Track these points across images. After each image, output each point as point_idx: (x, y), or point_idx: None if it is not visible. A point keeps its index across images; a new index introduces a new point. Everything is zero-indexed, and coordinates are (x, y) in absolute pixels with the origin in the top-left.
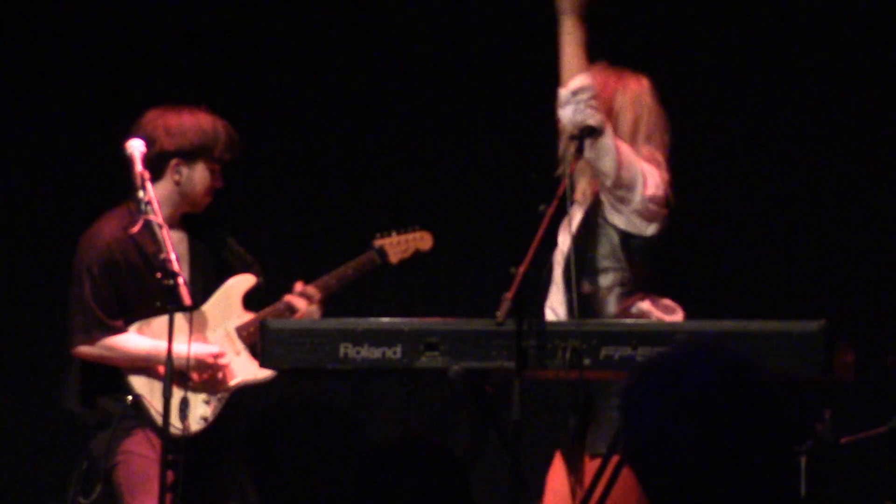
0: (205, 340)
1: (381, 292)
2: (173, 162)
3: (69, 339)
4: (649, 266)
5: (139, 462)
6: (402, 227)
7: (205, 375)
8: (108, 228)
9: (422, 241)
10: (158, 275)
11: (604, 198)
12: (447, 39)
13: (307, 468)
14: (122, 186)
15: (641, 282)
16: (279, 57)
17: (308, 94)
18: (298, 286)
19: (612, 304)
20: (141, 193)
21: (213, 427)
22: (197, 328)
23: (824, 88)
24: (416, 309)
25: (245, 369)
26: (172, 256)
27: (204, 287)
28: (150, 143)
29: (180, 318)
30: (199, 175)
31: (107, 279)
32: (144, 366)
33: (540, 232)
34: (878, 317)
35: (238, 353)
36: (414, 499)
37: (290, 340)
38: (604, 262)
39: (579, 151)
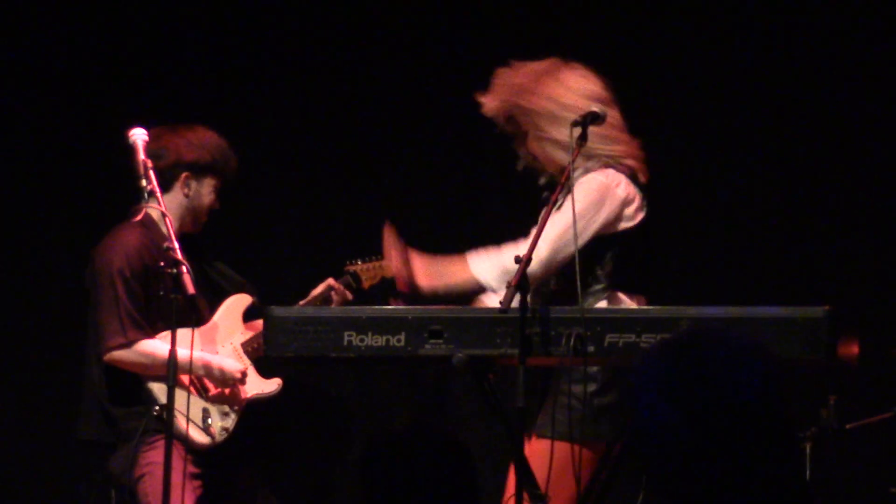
0: (218, 354)
1: (384, 280)
2: (184, 175)
3: (103, 344)
4: (618, 261)
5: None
6: (366, 256)
7: (228, 391)
8: (133, 236)
9: (386, 269)
10: (162, 263)
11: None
12: (435, 39)
13: (312, 456)
14: (122, 200)
15: (610, 278)
16: (264, 79)
17: (302, 98)
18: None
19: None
20: (143, 182)
21: (232, 440)
22: (207, 342)
23: (829, 78)
24: (420, 297)
25: (254, 384)
26: (176, 245)
27: (206, 306)
28: (163, 154)
29: (188, 332)
30: (206, 191)
31: (139, 284)
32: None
33: (542, 220)
34: (884, 306)
35: (246, 369)
36: (420, 485)
37: (295, 328)
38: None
39: (582, 138)
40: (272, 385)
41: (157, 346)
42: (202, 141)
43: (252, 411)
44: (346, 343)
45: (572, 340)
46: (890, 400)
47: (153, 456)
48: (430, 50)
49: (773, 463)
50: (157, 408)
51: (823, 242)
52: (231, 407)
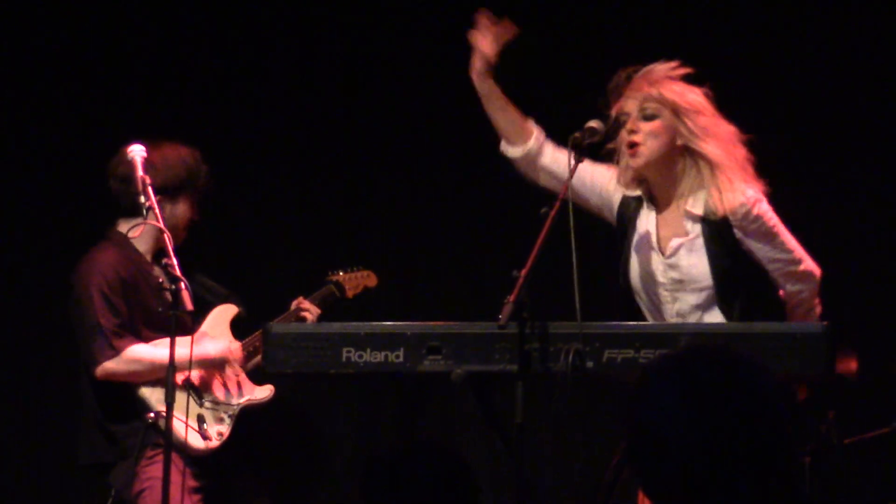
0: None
1: (383, 296)
2: (157, 198)
3: (92, 362)
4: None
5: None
6: (349, 266)
7: (224, 380)
8: (108, 253)
9: (368, 278)
10: (161, 279)
11: None
12: (439, 36)
13: (313, 473)
14: (108, 213)
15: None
16: (244, 91)
17: (290, 111)
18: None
19: None
20: (142, 199)
21: (229, 448)
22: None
23: (825, 89)
24: (419, 313)
25: (247, 390)
26: (175, 262)
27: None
28: (133, 179)
29: (185, 340)
30: (181, 209)
31: (118, 296)
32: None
33: (542, 235)
34: (882, 322)
35: (238, 375)
36: (421, 502)
37: (294, 344)
38: None
39: (580, 153)
40: (265, 391)
41: (144, 350)
42: (168, 162)
43: (251, 420)
44: (344, 359)
45: (571, 356)
46: (889, 415)
47: (153, 471)
48: (412, 59)
49: (772, 478)
50: (151, 415)
51: (821, 258)
52: (225, 413)
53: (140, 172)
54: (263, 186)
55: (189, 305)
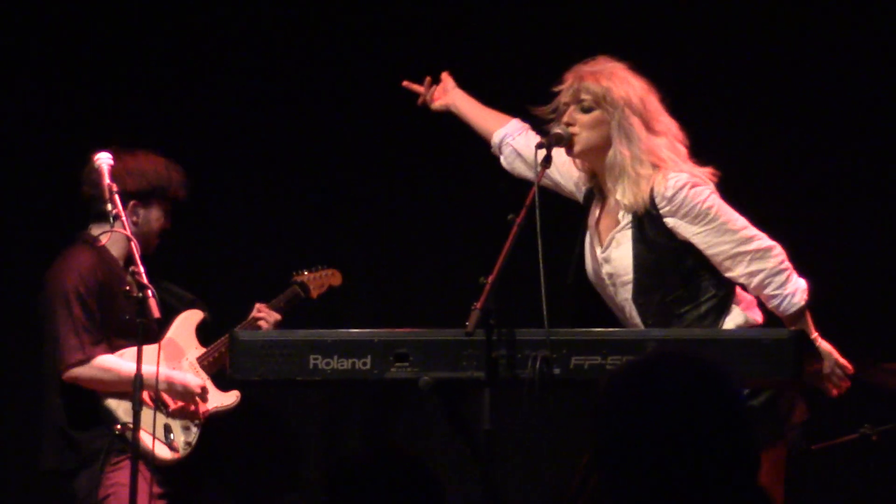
0: (178, 370)
1: (350, 303)
2: (131, 203)
3: (62, 362)
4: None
5: (128, 495)
6: (312, 266)
7: (189, 406)
8: (84, 256)
9: (333, 277)
10: (127, 287)
11: None
12: (411, 46)
13: (281, 479)
14: (80, 218)
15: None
16: (222, 92)
17: (259, 115)
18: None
19: None
20: (109, 206)
21: (195, 455)
22: (168, 358)
23: (818, 91)
24: (386, 320)
25: (214, 397)
26: (142, 269)
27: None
28: (108, 188)
29: (151, 347)
30: (154, 215)
31: (93, 301)
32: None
33: (509, 242)
34: (850, 328)
35: (205, 383)
36: None
37: (260, 352)
38: None
39: (546, 161)
40: (231, 398)
41: (114, 361)
42: (142, 168)
43: (217, 427)
44: (311, 367)
45: (538, 363)
46: (856, 421)
47: (117, 477)
48: (381, 63)
49: (737, 484)
50: (118, 426)
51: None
52: (192, 421)
53: (107, 180)
54: (232, 191)
55: (156, 313)
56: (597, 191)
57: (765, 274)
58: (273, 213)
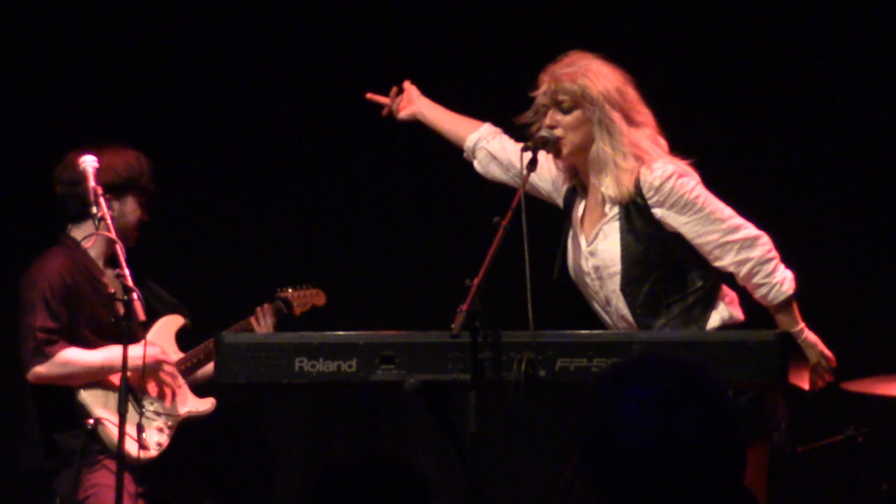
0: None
1: (335, 306)
2: (106, 197)
3: (24, 367)
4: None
5: (108, 495)
6: (298, 283)
7: (163, 388)
8: (56, 259)
9: (317, 297)
10: (112, 289)
11: None
12: (398, 47)
13: (266, 482)
14: (57, 218)
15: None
16: (209, 85)
17: (260, 106)
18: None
19: None
20: (94, 209)
21: (172, 455)
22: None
23: (805, 95)
24: (371, 322)
25: (189, 402)
26: (127, 272)
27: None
28: (80, 180)
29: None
30: (129, 208)
31: (60, 303)
32: (102, 376)
33: (494, 244)
34: (834, 330)
35: (180, 387)
36: None
37: (246, 355)
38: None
39: (532, 164)
40: (206, 404)
41: (74, 353)
42: (112, 162)
43: (203, 428)
44: (297, 369)
45: (524, 365)
46: (841, 424)
47: (97, 478)
48: (364, 72)
49: (723, 486)
50: (90, 421)
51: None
52: (166, 423)
53: (92, 183)
54: (218, 197)
55: (141, 316)
56: (579, 187)
57: (753, 262)
58: (257, 217)
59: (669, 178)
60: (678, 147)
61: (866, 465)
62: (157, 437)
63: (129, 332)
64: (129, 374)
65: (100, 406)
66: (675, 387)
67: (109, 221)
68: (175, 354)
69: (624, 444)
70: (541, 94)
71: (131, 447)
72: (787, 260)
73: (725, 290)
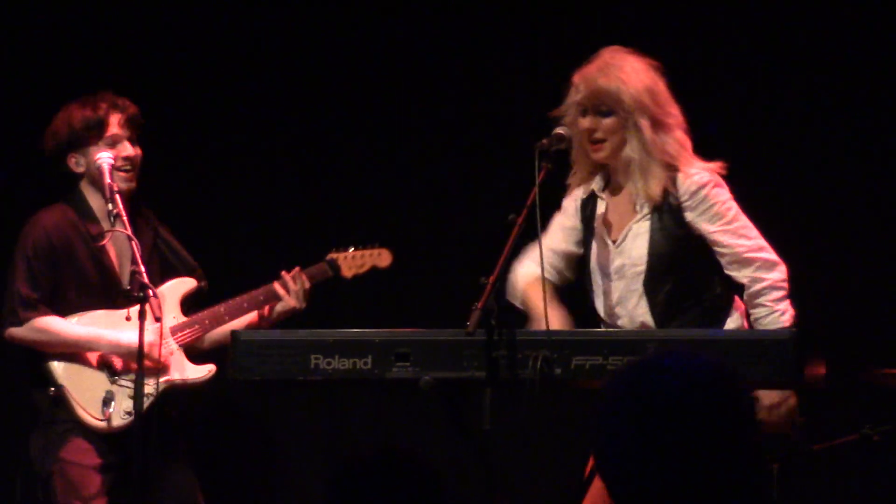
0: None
1: (351, 303)
2: (69, 156)
3: (0, 323)
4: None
5: (75, 472)
6: (362, 243)
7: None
8: (47, 217)
9: (380, 257)
10: (128, 286)
11: None
12: (415, 45)
13: (279, 479)
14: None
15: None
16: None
17: (272, 97)
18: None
19: None
20: (110, 206)
21: (161, 432)
22: (119, 321)
23: (805, 98)
24: (387, 320)
25: (176, 369)
26: (143, 269)
27: (157, 274)
28: (43, 150)
29: (97, 312)
30: (92, 155)
31: (43, 263)
32: (77, 350)
33: (509, 242)
34: (851, 328)
35: (171, 353)
36: None
37: (261, 352)
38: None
39: (549, 161)
40: (201, 371)
41: (54, 322)
42: (55, 125)
43: (211, 421)
44: (312, 366)
45: (539, 363)
46: (857, 421)
47: (65, 452)
48: (389, 54)
49: (739, 485)
50: (52, 389)
51: (790, 264)
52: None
53: (108, 179)
54: (233, 180)
55: (158, 313)
56: (600, 191)
57: (767, 283)
58: (275, 208)
59: (706, 185)
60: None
61: (882, 464)
62: (125, 405)
63: (140, 328)
64: (111, 355)
65: (67, 381)
66: (692, 385)
67: (125, 218)
68: (175, 319)
69: (639, 443)
70: (575, 93)
71: (90, 418)
72: (803, 247)
73: (739, 301)
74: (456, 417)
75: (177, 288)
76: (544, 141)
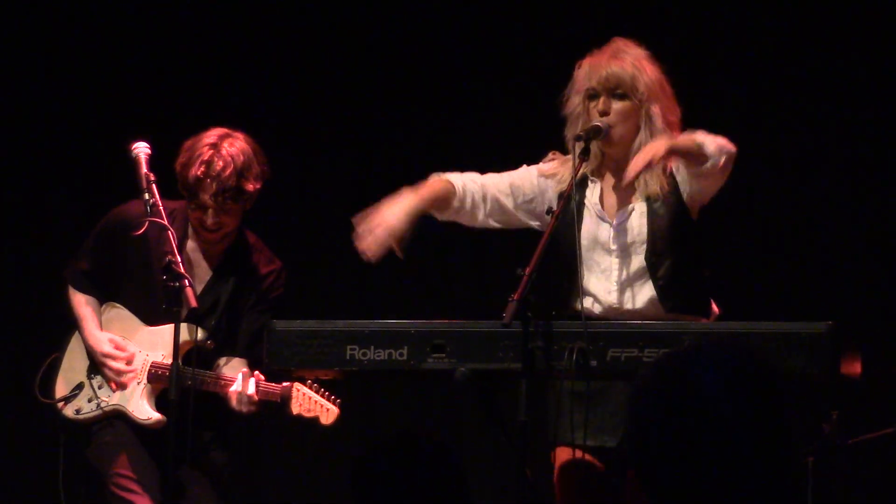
0: (132, 354)
1: (387, 294)
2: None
3: (67, 266)
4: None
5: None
6: (322, 387)
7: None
8: (132, 206)
9: (327, 413)
10: (164, 276)
11: None
12: (438, 35)
13: (305, 465)
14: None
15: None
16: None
17: (306, 94)
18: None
19: None
20: (147, 195)
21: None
22: (130, 334)
23: (827, 90)
24: (423, 311)
25: (129, 399)
26: (178, 259)
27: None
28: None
29: (126, 312)
30: (192, 212)
31: (104, 244)
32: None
33: (547, 233)
34: (887, 321)
35: (139, 383)
36: (411, 494)
37: (297, 342)
38: None
39: (585, 153)
40: (150, 415)
41: (72, 297)
42: (181, 162)
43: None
44: (348, 357)
45: (575, 355)
46: (892, 415)
47: (105, 435)
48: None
49: (773, 479)
50: (57, 352)
51: (827, 257)
52: (98, 400)
53: (144, 169)
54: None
55: (193, 302)
56: (592, 175)
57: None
58: (301, 199)
59: None
60: None
61: None
62: (81, 405)
63: (176, 317)
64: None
65: (70, 349)
66: (729, 377)
67: (161, 208)
68: (163, 358)
69: (673, 436)
70: (588, 82)
71: (57, 392)
72: (838, 242)
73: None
74: (491, 408)
75: (182, 332)
76: (581, 132)
